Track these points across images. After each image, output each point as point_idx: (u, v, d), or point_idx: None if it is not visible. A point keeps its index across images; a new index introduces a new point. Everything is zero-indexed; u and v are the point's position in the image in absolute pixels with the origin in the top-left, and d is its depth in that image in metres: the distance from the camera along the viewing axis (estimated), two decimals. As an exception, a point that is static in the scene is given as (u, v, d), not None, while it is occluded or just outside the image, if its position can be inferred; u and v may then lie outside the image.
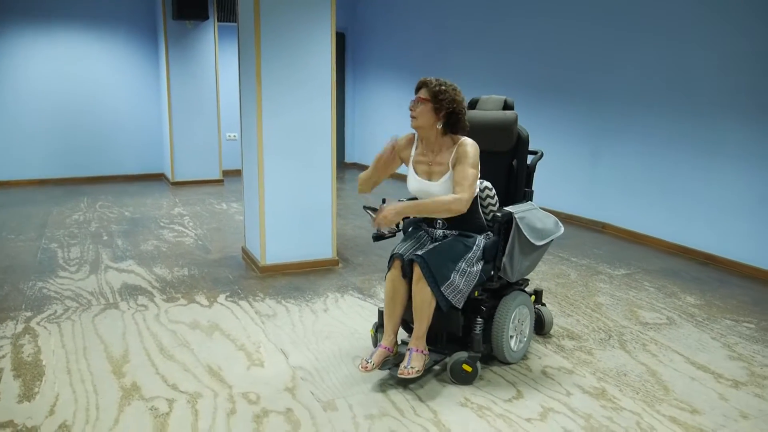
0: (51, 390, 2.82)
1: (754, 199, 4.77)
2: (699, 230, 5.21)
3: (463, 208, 2.81)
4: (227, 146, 9.57)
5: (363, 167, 10.65)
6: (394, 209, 2.78)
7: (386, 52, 9.70)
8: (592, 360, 3.21)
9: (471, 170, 2.83)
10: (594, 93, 6.09)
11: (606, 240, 5.79)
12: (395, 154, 3.04)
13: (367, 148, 10.59)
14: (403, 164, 3.08)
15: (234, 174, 9.44)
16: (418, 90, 2.92)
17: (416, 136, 3.04)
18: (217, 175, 8.91)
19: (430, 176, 2.96)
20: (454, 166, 2.88)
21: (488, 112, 3.23)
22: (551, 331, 3.55)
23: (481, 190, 2.99)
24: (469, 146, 2.87)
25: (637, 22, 5.58)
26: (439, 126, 2.89)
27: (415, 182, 3.01)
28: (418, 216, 3.00)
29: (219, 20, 8.78)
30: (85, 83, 8.76)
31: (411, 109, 2.90)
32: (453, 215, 2.84)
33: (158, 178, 9.34)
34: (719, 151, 5.01)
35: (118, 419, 2.57)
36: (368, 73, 10.28)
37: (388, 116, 9.71)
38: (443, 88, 2.85)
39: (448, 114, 2.87)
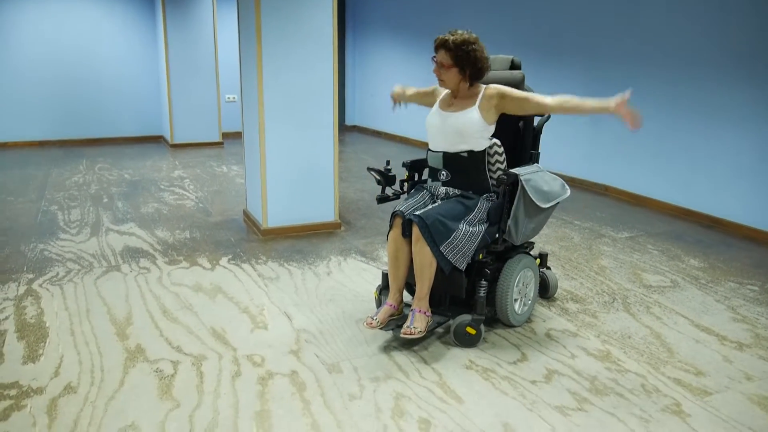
0: (55, 352, 2.82)
1: (756, 161, 4.72)
2: (702, 193, 5.17)
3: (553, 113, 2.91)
4: (226, 108, 9.46)
5: (364, 129, 10.56)
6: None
7: (388, 12, 9.51)
8: (597, 323, 3.21)
9: (522, 93, 2.89)
10: (595, 55, 5.98)
11: (609, 203, 5.75)
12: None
13: (367, 111, 10.48)
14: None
15: (233, 136, 9.36)
16: (436, 49, 2.90)
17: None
18: (217, 138, 8.83)
19: (451, 111, 2.98)
20: (484, 104, 2.90)
21: (495, 72, 3.15)
22: (555, 295, 3.54)
23: (489, 147, 2.95)
24: (502, 87, 2.91)
25: (645, -20, 5.44)
26: (467, 82, 2.93)
27: (436, 116, 3.02)
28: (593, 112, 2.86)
29: (217, -22, 8.59)
30: (83, 44, 8.62)
31: (435, 72, 2.93)
32: (559, 112, 2.86)
33: (157, 140, 9.26)
34: (721, 113, 4.94)
35: (123, 381, 2.58)
36: (369, 34, 10.09)
37: (390, 78, 9.57)
38: (464, 49, 2.84)
39: (472, 71, 2.90)
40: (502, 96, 2.89)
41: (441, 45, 2.88)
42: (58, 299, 3.41)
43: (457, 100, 2.99)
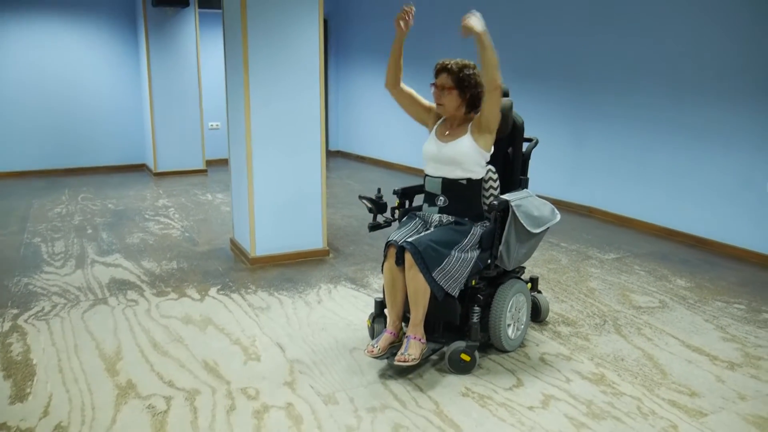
0: (44, 390, 2.76)
1: (740, 181, 4.81)
2: (686, 213, 5.24)
3: (498, 80, 2.81)
4: (209, 135, 9.44)
5: (347, 155, 10.58)
6: (478, 22, 2.77)
7: (370, 38, 9.61)
8: (589, 346, 3.22)
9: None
10: (577, 76, 6.08)
11: (594, 224, 5.81)
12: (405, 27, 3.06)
13: (351, 136, 10.52)
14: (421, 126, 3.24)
15: (217, 164, 9.33)
16: (437, 74, 2.98)
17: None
18: (201, 165, 8.79)
19: (447, 141, 3.02)
20: (473, 130, 2.95)
21: (482, 98, 3.19)
22: (547, 318, 3.55)
23: (485, 172, 2.98)
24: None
25: (621, 6, 5.56)
26: (464, 108, 3.00)
27: (433, 144, 3.04)
28: (486, 48, 2.83)
29: (200, 7, 8.62)
30: (63, 72, 8.57)
31: (435, 96, 2.99)
32: (494, 76, 2.80)
33: (140, 168, 9.20)
34: (704, 134, 5.04)
35: (115, 419, 2.53)
36: (352, 60, 10.17)
37: (373, 103, 9.63)
38: (466, 72, 2.93)
39: (472, 96, 2.97)
40: (479, 113, 2.94)
41: (442, 69, 2.97)
42: (44, 335, 3.35)
43: (452, 129, 3.03)
